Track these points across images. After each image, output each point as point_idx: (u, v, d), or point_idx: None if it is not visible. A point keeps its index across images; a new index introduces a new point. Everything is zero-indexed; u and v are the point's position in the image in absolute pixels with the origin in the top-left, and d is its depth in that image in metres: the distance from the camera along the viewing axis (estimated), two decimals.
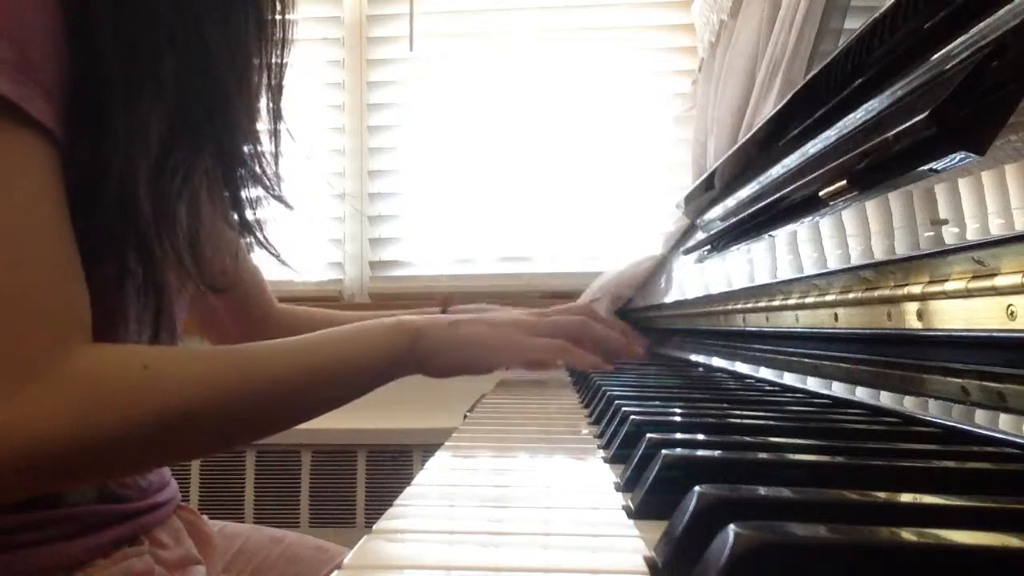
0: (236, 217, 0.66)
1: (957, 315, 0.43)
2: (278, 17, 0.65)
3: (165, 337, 0.60)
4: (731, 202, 0.93)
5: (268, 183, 0.66)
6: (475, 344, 0.69)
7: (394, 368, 0.64)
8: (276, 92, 0.67)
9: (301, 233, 2.02)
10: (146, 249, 0.54)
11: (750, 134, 0.91)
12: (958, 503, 0.26)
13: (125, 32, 0.52)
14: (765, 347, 0.80)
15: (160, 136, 0.56)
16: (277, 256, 0.70)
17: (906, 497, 0.28)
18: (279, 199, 0.68)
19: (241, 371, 0.53)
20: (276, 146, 0.68)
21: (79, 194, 0.50)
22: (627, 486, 0.36)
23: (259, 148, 0.65)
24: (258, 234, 0.67)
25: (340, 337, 0.61)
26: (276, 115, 0.67)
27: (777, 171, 0.74)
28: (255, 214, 0.67)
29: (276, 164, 0.68)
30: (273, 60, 0.65)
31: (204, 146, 0.60)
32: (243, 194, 0.65)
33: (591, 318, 0.83)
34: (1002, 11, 0.40)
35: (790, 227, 0.69)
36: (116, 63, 0.51)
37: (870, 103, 0.54)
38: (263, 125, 0.67)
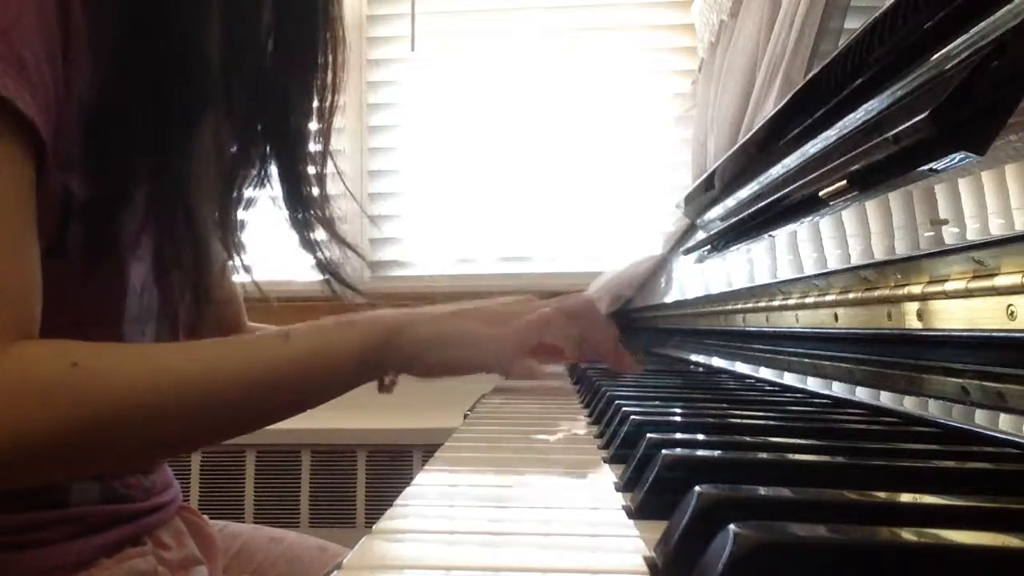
0: (303, 244, 0.67)
1: (957, 315, 0.43)
2: (339, 59, 0.68)
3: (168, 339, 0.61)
4: (731, 202, 0.93)
5: (327, 220, 0.68)
6: (466, 340, 0.63)
7: (368, 369, 0.59)
8: (326, 133, 0.70)
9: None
10: (202, 258, 0.57)
11: (750, 134, 0.91)
12: (958, 503, 0.26)
13: (204, 64, 0.55)
14: (765, 347, 0.80)
15: (227, 156, 0.60)
16: (342, 281, 0.71)
17: (906, 497, 0.28)
18: (336, 236, 0.69)
19: (184, 370, 0.50)
20: (323, 186, 0.70)
21: (111, 197, 0.52)
22: (627, 486, 0.36)
23: (314, 183, 0.68)
24: (319, 255, 0.69)
25: (304, 334, 0.57)
26: (325, 157, 0.70)
27: (777, 171, 0.74)
28: (315, 239, 0.68)
29: (325, 203, 0.69)
30: (326, 103, 0.68)
31: (269, 168, 0.64)
32: (305, 219, 0.67)
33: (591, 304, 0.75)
34: (1002, 11, 0.40)
35: (790, 227, 0.69)
36: (197, 91, 0.55)
37: (870, 103, 0.54)
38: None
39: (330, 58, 0.66)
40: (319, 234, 0.69)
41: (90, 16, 0.50)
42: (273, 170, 0.66)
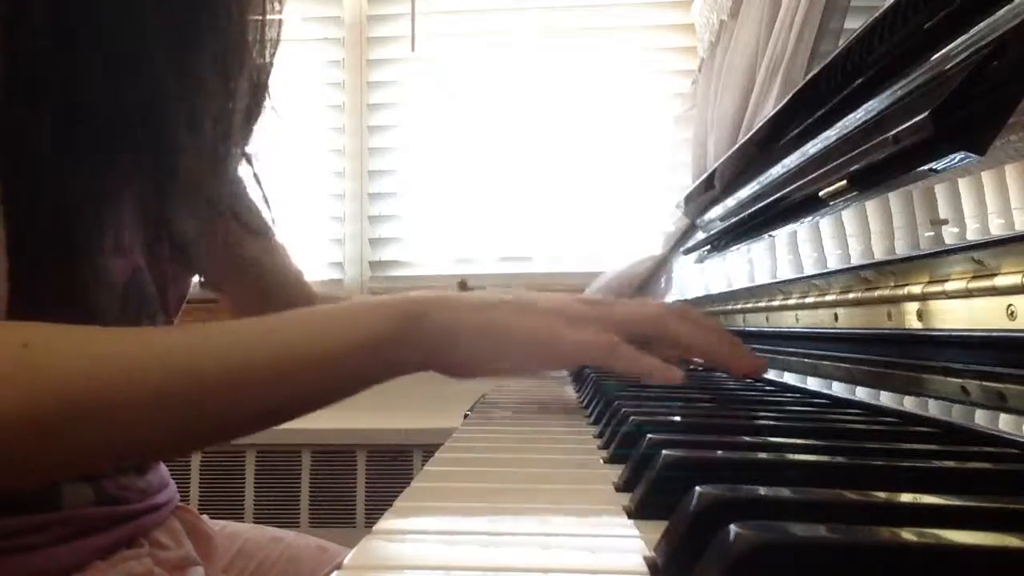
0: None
1: (957, 315, 0.43)
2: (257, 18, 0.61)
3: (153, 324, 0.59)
4: (731, 202, 0.93)
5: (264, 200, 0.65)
6: (507, 334, 0.52)
7: (384, 361, 0.50)
8: (256, 102, 0.63)
9: (301, 233, 2.03)
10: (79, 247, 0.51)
11: (750, 134, 0.91)
12: (958, 503, 0.26)
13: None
14: (765, 347, 0.80)
15: (88, 133, 0.52)
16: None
17: (906, 497, 0.28)
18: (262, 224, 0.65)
19: (157, 356, 0.44)
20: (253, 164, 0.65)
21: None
22: (627, 486, 0.36)
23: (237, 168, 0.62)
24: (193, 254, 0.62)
25: (310, 319, 0.50)
26: (254, 114, 0.63)
27: (777, 171, 0.74)
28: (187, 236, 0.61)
29: (261, 186, 0.64)
30: (252, 78, 0.61)
31: (140, 158, 0.55)
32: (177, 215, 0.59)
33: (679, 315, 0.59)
34: (1002, 11, 0.40)
35: (790, 227, 0.69)
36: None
37: (870, 103, 0.54)
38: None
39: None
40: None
41: None
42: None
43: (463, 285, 0.95)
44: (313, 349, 0.47)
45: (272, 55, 0.63)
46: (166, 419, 0.44)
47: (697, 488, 0.26)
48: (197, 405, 0.44)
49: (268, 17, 0.61)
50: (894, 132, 0.43)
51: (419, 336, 0.50)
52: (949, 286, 0.43)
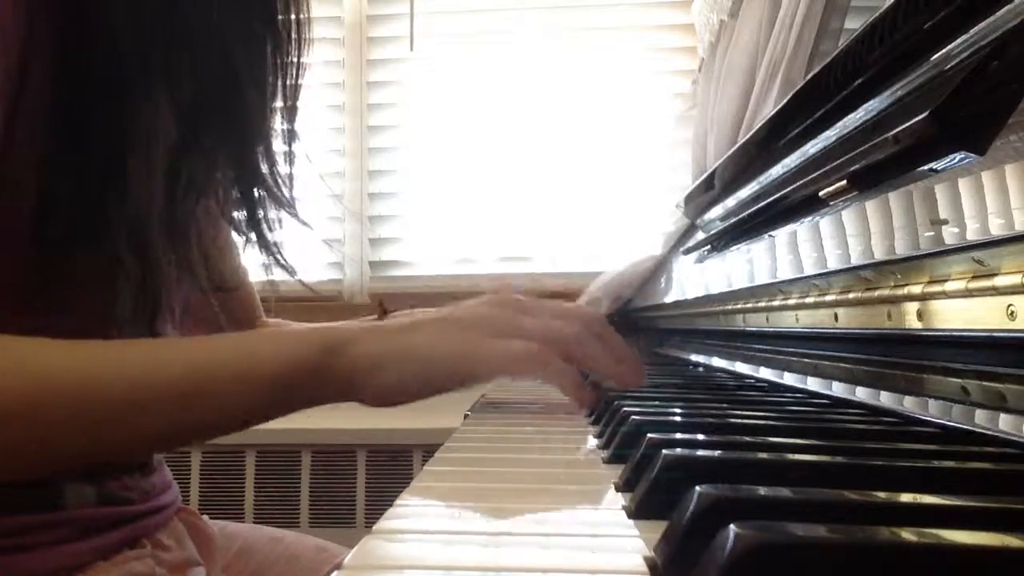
0: (255, 237, 0.64)
1: (957, 315, 0.43)
2: (294, 37, 0.64)
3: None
4: (731, 202, 0.93)
5: (287, 203, 0.65)
6: (431, 355, 0.53)
7: (304, 388, 0.51)
8: (291, 112, 0.65)
9: (300, 233, 2.02)
10: (148, 255, 0.53)
11: (750, 134, 0.90)
12: (958, 503, 0.26)
13: (138, 35, 0.51)
14: (765, 347, 0.80)
15: (173, 148, 0.55)
16: (293, 273, 0.67)
17: (906, 497, 0.28)
18: (297, 218, 0.66)
19: (62, 371, 0.46)
20: (291, 166, 0.66)
21: (76, 190, 0.49)
22: (627, 486, 0.36)
23: (276, 168, 0.64)
24: (277, 255, 0.66)
25: (232, 344, 0.51)
26: (291, 136, 0.66)
27: (777, 171, 0.74)
28: (273, 234, 0.65)
29: (291, 185, 0.66)
30: (288, 81, 0.64)
31: (220, 161, 0.59)
32: (261, 213, 0.64)
33: (591, 323, 0.61)
34: (1002, 11, 0.40)
35: (790, 227, 0.69)
36: (130, 65, 0.51)
37: (870, 103, 0.54)
38: (277, 145, 0.66)
39: (292, 17, 0.62)
40: (278, 234, 0.66)
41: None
42: (225, 163, 0.62)
43: (381, 306, 0.96)
44: (235, 371, 0.49)
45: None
46: (79, 429, 0.46)
47: (697, 488, 0.26)
48: (115, 417, 0.47)
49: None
50: (894, 132, 0.43)
51: (341, 365, 0.51)
52: (949, 286, 0.43)
